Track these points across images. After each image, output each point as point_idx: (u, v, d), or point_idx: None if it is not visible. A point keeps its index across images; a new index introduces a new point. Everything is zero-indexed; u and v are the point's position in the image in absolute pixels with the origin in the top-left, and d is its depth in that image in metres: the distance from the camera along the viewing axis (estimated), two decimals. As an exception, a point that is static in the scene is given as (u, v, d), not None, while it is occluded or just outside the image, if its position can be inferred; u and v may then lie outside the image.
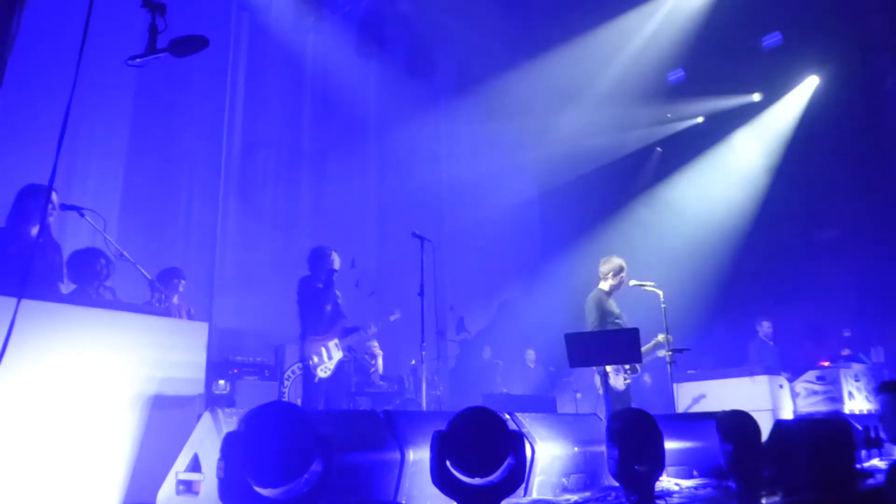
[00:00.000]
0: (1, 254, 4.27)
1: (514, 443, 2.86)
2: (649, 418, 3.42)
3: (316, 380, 6.24)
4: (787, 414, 7.85)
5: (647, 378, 8.38)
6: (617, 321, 6.64)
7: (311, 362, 6.25)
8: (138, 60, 2.47)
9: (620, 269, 6.76)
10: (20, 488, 3.22)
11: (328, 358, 6.31)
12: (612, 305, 6.73)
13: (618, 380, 6.37)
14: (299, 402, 7.73)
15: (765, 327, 9.45)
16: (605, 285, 6.79)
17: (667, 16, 10.48)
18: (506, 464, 2.79)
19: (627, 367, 6.22)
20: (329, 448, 2.57)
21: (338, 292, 6.63)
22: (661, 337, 6.43)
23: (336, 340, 6.41)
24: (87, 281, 5.06)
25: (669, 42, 10.55)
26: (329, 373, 6.31)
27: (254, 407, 2.37)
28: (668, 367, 6.30)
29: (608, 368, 6.27)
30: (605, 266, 6.84)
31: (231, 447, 2.23)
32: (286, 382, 7.76)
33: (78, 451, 3.51)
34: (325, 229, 9.23)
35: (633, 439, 3.32)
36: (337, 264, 6.48)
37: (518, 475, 2.79)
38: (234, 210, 8.94)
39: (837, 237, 10.64)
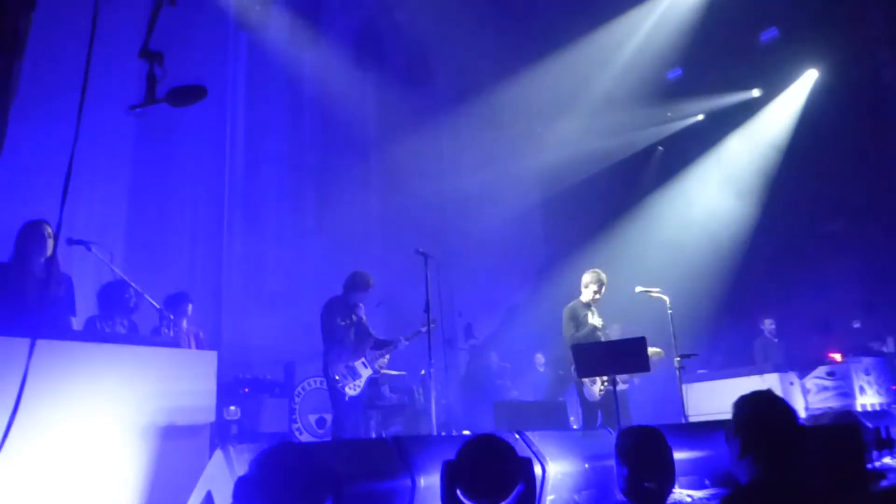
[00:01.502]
0: (7, 290, 4.31)
1: (524, 469, 2.86)
2: (658, 434, 3.41)
3: (346, 398, 6.22)
4: (800, 411, 7.84)
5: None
6: (596, 333, 6.67)
7: (338, 382, 6.24)
8: (138, 110, 2.51)
9: (599, 283, 6.81)
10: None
11: (357, 376, 6.33)
12: (591, 317, 6.78)
13: (593, 389, 6.41)
14: (311, 417, 7.80)
15: (768, 325, 9.44)
16: (583, 296, 6.88)
17: (662, 15, 10.49)
18: (516, 490, 2.79)
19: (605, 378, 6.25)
20: (339, 483, 2.59)
21: (362, 313, 6.66)
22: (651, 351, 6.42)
23: (363, 359, 6.42)
24: (119, 313, 5.19)
25: (666, 41, 10.56)
26: (358, 390, 6.31)
27: (263, 449, 2.40)
28: (677, 372, 6.31)
29: (584, 378, 6.32)
30: (584, 277, 6.91)
31: (243, 492, 2.26)
32: (297, 399, 7.80)
33: (91, 484, 3.55)
34: (330, 244, 9.25)
35: (643, 456, 3.31)
36: (373, 292, 6.59)
37: (528, 501, 2.80)
38: (239, 228, 8.98)
39: (842, 229, 10.63)
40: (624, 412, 8.39)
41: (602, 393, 6.38)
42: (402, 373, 7.97)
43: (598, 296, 6.82)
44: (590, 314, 6.79)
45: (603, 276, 6.87)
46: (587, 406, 6.56)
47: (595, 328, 6.70)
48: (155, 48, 2.72)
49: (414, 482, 3.18)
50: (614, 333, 8.31)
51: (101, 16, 2.65)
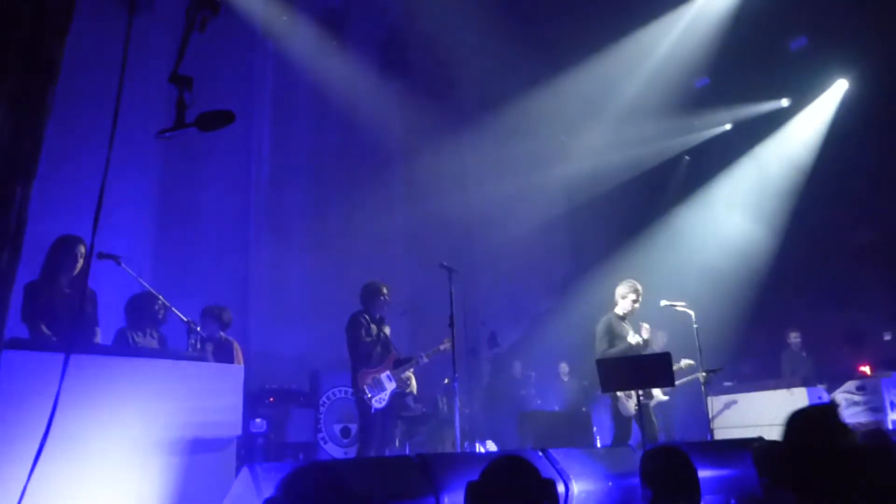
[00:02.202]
0: (38, 306, 4.40)
1: (548, 490, 2.86)
2: (682, 455, 3.38)
3: (372, 410, 6.26)
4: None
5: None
6: (632, 348, 6.57)
7: (366, 395, 6.27)
8: (167, 134, 2.56)
9: (635, 293, 6.68)
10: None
11: (382, 389, 6.37)
12: (625, 330, 6.66)
13: (628, 404, 6.30)
14: (336, 427, 7.86)
15: (793, 338, 9.31)
16: (618, 308, 6.76)
17: (690, 23, 10.39)
18: (540, 511, 2.79)
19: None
20: (365, 503, 2.62)
21: (387, 327, 6.68)
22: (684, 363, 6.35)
23: (388, 372, 6.44)
24: (148, 324, 5.30)
25: (694, 50, 10.46)
26: (384, 403, 6.33)
27: (289, 469, 2.43)
28: (703, 387, 6.25)
29: (619, 392, 6.24)
30: (620, 288, 6.79)
31: (270, 513, 2.30)
32: (322, 409, 7.85)
33: (119, 499, 3.61)
34: (354, 255, 9.29)
35: (667, 478, 3.29)
36: (388, 297, 6.57)
37: (552, 522, 2.79)
38: (265, 241, 9.08)
39: (872, 240, 10.45)
40: (668, 424, 8.36)
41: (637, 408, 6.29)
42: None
43: (636, 305, 6.69)
44: (625, 327, 6.69)
45: (639, 285, 6.74)
46: (620, 420, 6.47)
47: (631, 345, 6.58)
48: (183, 64, 2.77)
49: (438, 502, 3.19)
50: (660, 341, 8.22)
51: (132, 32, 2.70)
